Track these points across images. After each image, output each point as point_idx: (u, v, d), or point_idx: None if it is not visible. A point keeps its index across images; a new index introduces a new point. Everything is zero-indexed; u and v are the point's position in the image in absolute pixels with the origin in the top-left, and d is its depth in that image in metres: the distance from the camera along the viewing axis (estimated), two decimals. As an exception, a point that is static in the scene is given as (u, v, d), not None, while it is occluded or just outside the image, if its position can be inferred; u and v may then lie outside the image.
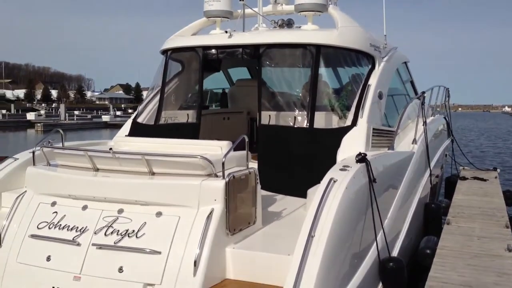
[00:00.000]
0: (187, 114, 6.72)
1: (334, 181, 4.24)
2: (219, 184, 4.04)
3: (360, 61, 6.58)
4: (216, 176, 4.18)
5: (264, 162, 5.98)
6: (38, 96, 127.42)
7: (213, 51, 6.45)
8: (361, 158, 4.66)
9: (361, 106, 6.07)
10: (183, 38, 6.98)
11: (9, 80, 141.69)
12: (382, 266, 4.67)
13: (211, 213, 3.99)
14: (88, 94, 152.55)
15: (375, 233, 4.63)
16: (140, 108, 7.23)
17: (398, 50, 8.40)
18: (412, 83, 9.10)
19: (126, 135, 6.68)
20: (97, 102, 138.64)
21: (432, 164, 7.64)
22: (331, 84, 6.43)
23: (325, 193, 4.07)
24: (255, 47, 6.23)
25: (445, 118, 10.22)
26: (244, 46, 6.26)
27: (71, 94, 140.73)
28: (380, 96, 6.46)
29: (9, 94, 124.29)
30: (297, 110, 6.14)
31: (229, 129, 7.87)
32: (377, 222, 4.66)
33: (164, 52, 7.05)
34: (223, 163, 4.09)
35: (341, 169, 4.49)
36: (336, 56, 6.42)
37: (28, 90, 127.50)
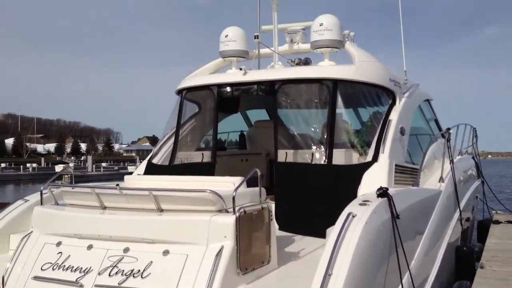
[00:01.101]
0: (202, 154, 6.57)
1: (353, 216, 3.96)
2: (229, 220, 3.80)
3: (379, 96, 6.39)
4: (227, 211, 3.95)
5: (282, 201, 5.73)
6: (68, 150, 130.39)
7: (228, 89, 6.36)
8: (383, 193, 4.37)
9: (382, 141, 5.82)
10: (198, 77, 6.94)
11: (41, 135, 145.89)
12: None
13: (220, 250, 3.74)
14: (116, 146, 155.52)
15: (400, 275, 4.26)
16: (155, 149, 7.13)
17: (420, 87, 8.19)
18: (436, 121, 8.82)
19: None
20: (124, 154, 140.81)
21: (462, 204, 7.23)
22: (349, 119, 6.23)
23: (343, 228, 3.78)
24: (271, 83, 6.11)
25: (473, 158, 9.81)
26: (259, 83, 6.15)
27: (100, 147, 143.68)
28: (402, 131, 6.22)
29: (40, 148, 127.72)
30: (314, 147, 5.92)
31: (247, 171, 7.66)
32: (402, 262, 4.31)
33: (179, 92, 7.00)
34: (233, 198, 3.87)
35: (360, 204, 4.21)
36: (354, 91, 6.24)
37: (59, 144, 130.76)
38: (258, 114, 9.46)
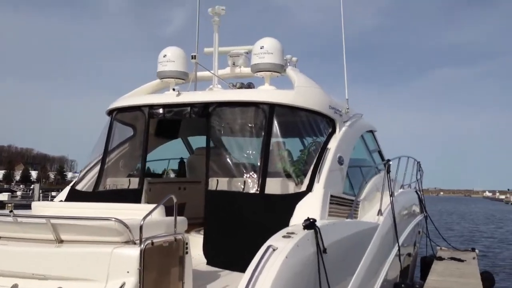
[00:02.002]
0: (129, 180, 6.10)
1: (274, 250, 3.62)
2: (133, 252, 3.36)
3: (318, 124, 6.15)
4: (135, 243, 3.52)
5: (211, 232, 5.33)
6: (17, 177, 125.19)
7: (160, 110, 5.97)
8: (309, 224, 4.06)
9: (318, 170, 5.55)
10: (130, 97, 6.52)
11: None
12: None
13: None
14: (69, 175, 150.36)
15: None
16: (81, 174, 6.61)
17: (364, 118, 8.07)
18: (380, 153, 8.68)
19: None
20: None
21: (401, 239, 7.02)
22: (286, 147, 5.93)
23: (259, 264, 3.43)
24: (205, 106, 5.77)
25: (416, 192, 9.72)
26: (192, 105, 5.81)
27: (52, 175, 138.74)
28: (340, 161, 5.97)
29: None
30: (247, 175, 5.57)
31: (185, 200, 7.23)
32: None
33: (110, 113, 6.56)
34: (140, 227, 3.45)
35: (284, 236, 3.89)
36: (292, 117, 5.98)
37: (7, 171, 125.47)
38: (202, 141, 9.08)
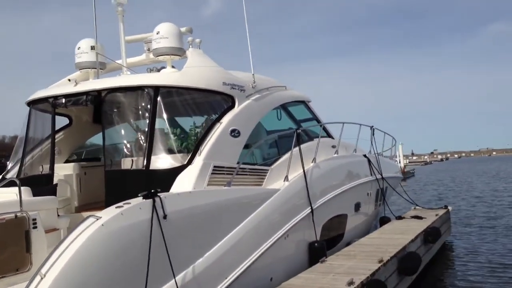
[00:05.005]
0: (42, 166, 6.67)
1: (97, 219, 4.07)
2: None
3: (210, 101, 6.52)
4: None
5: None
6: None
7: (63, 100, 6.46)
8: (147, 194, 4.49)
9: (203, 144, 5.96)
10: (43, 90, 7.01)
11: None
12: None
13: None
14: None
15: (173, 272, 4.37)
16: (10, 165, 7.23)
17: (289, 89, 8.32)
18: (317, 122, 8.92)
19: None
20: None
21: (320, 201, 7.30)
22: (174, 125, 6.32)
23: (71, 232, 3.90)
24: (98, 93, 6.24)
25: (365, 156, 9.85)
26: (87, 93, 6.27)
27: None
28: (234, 134, 6.33)
29: None
30: (136, 154, 6.03)
31: None
32: (175, 262, 4.41)
33: (28, 104, 7.10)
34: None
35: (117, 206, 4.33)
36: (180, 97, 6.34)
37: None
38: None
